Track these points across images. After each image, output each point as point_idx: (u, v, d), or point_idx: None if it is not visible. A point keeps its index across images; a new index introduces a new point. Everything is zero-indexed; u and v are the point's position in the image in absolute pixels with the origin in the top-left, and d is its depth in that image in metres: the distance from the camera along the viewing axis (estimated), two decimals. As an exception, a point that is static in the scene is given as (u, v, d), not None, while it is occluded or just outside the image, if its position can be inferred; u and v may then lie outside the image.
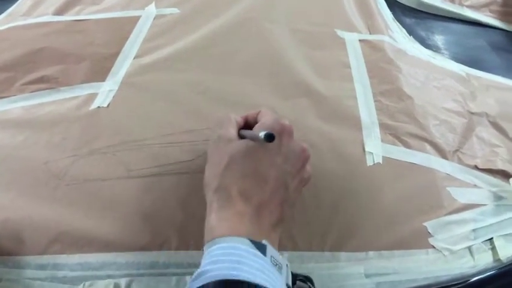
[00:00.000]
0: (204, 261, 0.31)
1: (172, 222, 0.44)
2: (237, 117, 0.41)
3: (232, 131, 0.39)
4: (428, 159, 0.51)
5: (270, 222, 0.35)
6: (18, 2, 0.82)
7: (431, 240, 0.44)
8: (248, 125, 0.41)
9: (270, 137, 0.33)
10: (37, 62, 0.62)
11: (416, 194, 0.48)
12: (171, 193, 0.46)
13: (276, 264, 0.32)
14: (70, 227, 0.44)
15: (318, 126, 0.53)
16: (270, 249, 0.32)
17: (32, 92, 0.58)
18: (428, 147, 0.52)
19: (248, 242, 0.31)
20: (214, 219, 0.34)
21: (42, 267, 0.42)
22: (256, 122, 0.40)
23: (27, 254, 0.42)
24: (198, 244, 0.42)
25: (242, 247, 0.31)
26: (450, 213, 0.46)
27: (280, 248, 0.42)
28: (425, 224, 0.45)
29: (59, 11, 0.76)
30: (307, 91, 0.58)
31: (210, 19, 0.73)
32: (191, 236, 0.43)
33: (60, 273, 0.41)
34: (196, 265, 0.40)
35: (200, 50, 0.66)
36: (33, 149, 0.51)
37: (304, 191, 0.46)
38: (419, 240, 0.44)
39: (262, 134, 0.34)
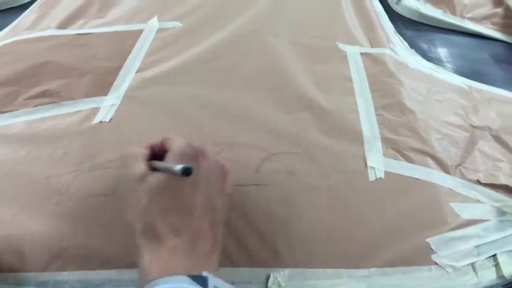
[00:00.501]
0: None
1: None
2: (141, 150, 0.38)
3: (142, 166, 0.36)
4: (431, 174, 0.51)
5: (206, 250, 0.34)
6: (22, 15, 0.82)
7: (434, 257, 0.44)
8: (155, 154, 0.38)
9: (187, 171, 0.32)
10: (40, 76, 0.63)
11: (418, 210, 0.48)
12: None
13: None
14: (71, 243, 0.44)
15: (319, 141, 0.53)
16: (212, 279, 0.31)
17: (34, 106, 0.58)
18: (430, 161, 0.52)
19: (187, 279, 0.30)
20: (147, 261, 0.32)
21: (42, 284, 0.41)
22: (163, 150, 0.38)
23: (28, 270, 0.42)
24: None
25: (181, 285, 0.29)
26: (453, 229, 0.46)
27: (281, 265, 0.43)
28: (428, 240, 0.45)
29: (63, 25, 0.77)
30: (309, 105, 0.58)
31: (212, 32, 0.73)
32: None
33: (61, 291, 0.41)
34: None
35: (202, 64, 0.66)
36: (35, 163, 0.51)
37: (303, 207, 0.46)
38: (422, 256, 0.44)
39: (178, 168, 0.32)
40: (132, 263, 0.42)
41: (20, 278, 0.42)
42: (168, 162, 0.35)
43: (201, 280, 0.30)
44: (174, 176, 0.33)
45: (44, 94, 0.60)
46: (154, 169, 0.35)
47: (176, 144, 0.37)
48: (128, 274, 0.42)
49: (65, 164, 0.51)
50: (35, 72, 0.63)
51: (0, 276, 0.42)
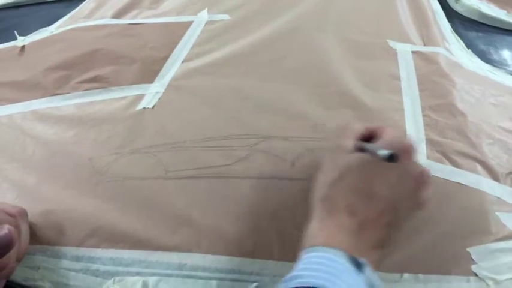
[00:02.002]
0: (298, 266, 0.31)
1: (204, 225, 0.44)
2: (357, 127, 0.40)
3: (350, 143, 0.38)
4: (478, 181, 0.48)
5: (371, 242, 0.33)
6: (81, 4, 0.87)
7: (474, 268, 0.41)
8: (368, 137, 0.40)
9: (391, 157, 0.32)
10: (92, 62, 0.66)
11: (461, 217, 0.45)
12: (205, 196, 0.47)
13: (372, 286, 0.30)
14: (107, 222, 0.45)
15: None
16: (368, 270, 0.31)
17: (84, 90, 0.61)
18: (479, 167, 0.49)
19: (346, 256, 0.31)
20: (315, 227, 0.34)
21: (77, 258, 0.43)
22: (375, 136, 0.39)
23: (65, 245, 0.44)
24: (228, 249, 0.43)
25: (339, 260, 0.30)
26: (498, 240, 0.43)
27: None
28: (469, 249, 0.42)
29: (117, 15, 0.80)
30: (352, 102, 0.56)
31: (259, 26, 0.73)
32: (221, 241, 0.43)
33: (93, 266, 0.43)
34: (223, 270, 0.41)
35: (247, 56, 0.66)
36: (81, 145, 0.53)
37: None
38: (461, 266, 0.41)
39: (384, 153, 0.32)
40: (161, 246, 0.43)
41: (57, 251, 0.44)
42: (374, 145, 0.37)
43: (359, 265, 0.31)
44: (372, 160, 0.35)
45: (94, 79, 0.63)
46: (360, 150, 0.37)
47: (389, 133, 0.38)
48: (156, 256, 0.42)
49: (108, 146, 0.52)
50: (88, 59, 0.66)
51: (39, 248, 0.44)
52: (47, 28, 0.80)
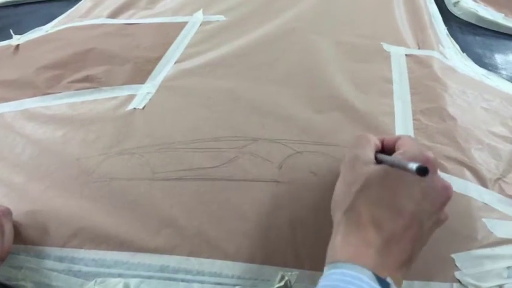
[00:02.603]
0: (321, 282, 0.30)
1: (188, 227, 0.44)
2: (375, 139, 0.40)
3: (371, 154, 0.37)
4: (465, 186, 0.47)
5: (398, 260, 0.32)
6: (79, 3, 0.87)
7: (457, 274, 0.41)
8: (384, 149, 0.40)
9: (424, 171, 0.30)
10: (85, 62, 0.66)
11: (447, 222, 0.44)
12: (191, 198, 0.46)
13: None
14: (91, 223, 0.45)
15: (348, 141, 0.51)
16: None
17: (76, 90, 0.61)
18: (467, 172, 0.48)
19: (371, 275, 0.29)
20: (339, 241, 0.33)
21: (60, 259, 0.43)
22: (392, 147, 0.38)
23: (49, 245, 0.44)
24: (210, 252, 0.42)
25: (364, 279, 0.29)
26: (483, 246, 0.42)
27: (293, 265, 0.41)
28: (453, 255, 0.42)
29: (113, 14, 0.80)
30: (342, 105, 0.56)
31: (254, 28, 0.73)
32: (204, 244, 0.43)
33: (76, 267, 0.43)
34: (205, 273, 0.41)
35: (240, 58, 0.66)
36: (69, 145, 0.53)
37: (321, 208, 0.45)
38: (444, 272, 0.41)
39: (414, 166, 0.30)
40: (143, 248, 0.43)
41: (41, 251, 0.44)
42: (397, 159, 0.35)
43: (385, 284, 0.29)
44: (396, 172, 0.33)
45: (86, 79, 0.63)
46: (379, 162, 0.36)
47: (409, 146, 0.37)
48: (138, 258, 0.42)
49: (96, 146, 0.53)
50: (81, 58, 0.67)
51: (23, 248, 0.44)
52: (42, 27, 0.81)
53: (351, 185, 0.35)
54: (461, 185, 0.47)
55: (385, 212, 0.33)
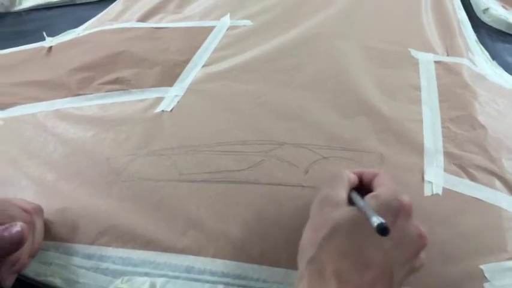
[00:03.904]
0: None
1: (214, 229, 0.45)
2: (350, 175, 0.37)
3: (342, 194, 0.35)
4: (496, 196, 0.46)
5: None
6: (109, 7, 0.89)
7: (486, 286, 0.40)
8: (362, 184, 0.38)
9: (383, 231, 0.28)
10: (115, 64, 0.67)
11: (476, 233, 0.44)
12: (216, 201, 0.47)
13: None
14: (119, 221, 0.46)
15: (375, 148, 0.51)
16: None
17: (106, 91, 0.63)
18: (497, 182, 0.48)
19: None
20: None
21: (89, 256, 0.44)
22: (370, 184, 0.36)
23: (78, 242, 0.45)
24: (235, 254, 0.43)
25: None
26: (513, 258, 0.42)
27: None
28: (482, 266, 0.41)
29: (143, 18, 0.82)
30: (369, 111, 0.56)
31: (280, 33, 0.73)
32: (229, 246, 0.43)
33: (104, 265, 0.43)
34: (230, 275, 0.41)
35: (266, 63, 0.66)
36: (99, 144, 0.54)
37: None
38: (473, 283, 0.40)
39: (376, 222, 0.29)
40: (170, 248, 0.44)
41: (70, 248, 0.45)
42: (368, 202, 0.33)
43: None
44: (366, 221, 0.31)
45: (116, 81, 0.64)
46: (351, 201, 0.35)
47: (385, 188, 0.35)
48: (164, 257, 0.43)
49: (125, 147, 0.54)
50: (111, 61, 0.68)
51: (53, 245, 0.45)
52: (74, 30, 0.83)
53: (318, 230, 0.33)
54: (491, 195, 0.46)
55: (350, 265, 0.30)
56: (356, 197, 0.35)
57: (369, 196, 0.34)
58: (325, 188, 0.36)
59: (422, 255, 0.34)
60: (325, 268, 0.31)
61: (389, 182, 0.36)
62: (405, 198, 0.33)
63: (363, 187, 0.37)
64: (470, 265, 0.41)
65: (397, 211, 0.32)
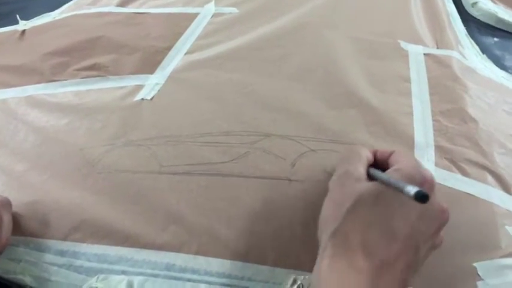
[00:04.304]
0: None
1: (196, 224, 0.42)
2: (367, 153, 0.36)
3: (362, 170, 0.34)
4: (488, 191, 0.45)
5: None
6: (87, -10, 0.85)
7: (480, 284, 0.38)
8: (377, 163, 0.36)
9: (424, 198, 0.27)
10: (92, 50, 0.64)
11: (468, 229, 0.42)
12: (199, 194, 0.44)
13: None
14: (94, 215, 0.43)
15: (364, 141, 0.49)
16: None
17: (82, 78, 0.59)
18: (489, 177, 0.46)
19: None
20: (326, 268, 0.29)
21: (61, 253, 0.41)
22: (386, 162, 0.35)
23: (50, 237, 0.42)
24: (219, 251, 0.40)
25: None
26: (507, 255, 0.40)
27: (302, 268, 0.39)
28: (475, 264, 0.39)
29: (122, 3, 0.78)
30: (358, 103, 0.54)
31: (267, 21, 0.71)
32: (212, 242, 0.41)
33: (77, 262, 0.40)
34: (213, 273, 0.39)
35: (252, 51, 0.64)
36: (73, 134, 0.51)
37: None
38: (465, 281, 0.38)
39: (412, 190, 0.27)
40: (149, 244, 0.41)
41: (41, 244, 0.42)
42: (392, 176, 0.32)
43: None
44: (390, 191, 0.30)
45: (93, 67, 0.61)
46: (372, 179, 0.33)
47: (406, 162, 0.33)
48: (143, 254, 0.40)
49: (101, 137, 0.50)
50: (88, 46, 0.65)
51: (22, 240, 0.42)
52: (50, 13, 0.79)
53: (340, 204, 0.31)
54: (483, 190, 0.45)
55: (377, 236, 0.29)
56: (378, 172, 0.34)
57: (391, 170, 0.33)
58: (344, 164, 0.35)
59: (442, 232, 0.33)
60: (351, 240, 0.29)
61: (408, 157, 0.35)
62: (427, 171, 0.32)
63: (377, 165, 0.36)
64: (463, 263, 0.40)
65: (421, 184, 0.30)
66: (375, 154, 0.38)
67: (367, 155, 0.36)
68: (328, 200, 0.34)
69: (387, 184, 0.31)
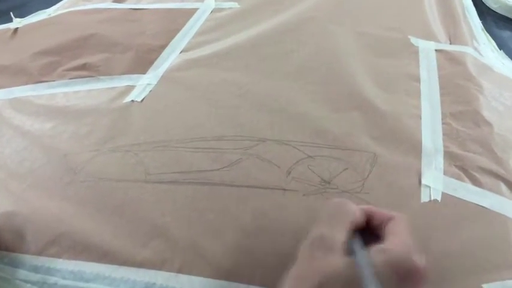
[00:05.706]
0: None
1: (180, 239, 0.39)
2: (357, 211, 0.29)
3: (340, 236, 0.27)
4: (502, 204, 0.41)
5: None
6: (83, -13, 0.82)
7: (489, 309, 0.35)
8: (370, 224, 0.30)
9: None
10: (83, 49, 0.61)
11: (479, 246, 0.38)
12: (186, 205, 0.41)
13: None
14: (72, 228, 0.40)
15: (367, 147, 0.45)
16: None
17: (71, 78, 0.57)
18: (503, 187, 0.42)
19: None
20: None
21: (35, 269, 0.38)
22: (380, 227, 0.29)
23: (24, 252, 0.39)
24: (204, 269, 0.37)
25: None
26: (521, 276, 0.36)
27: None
28: (484, 285, 0.36)
29: (120, -1, 0.75)
30: (362, 104, 0.50)
31: (269, 16, 0.67)
32: (197, 259, 0.38)
33: (51, 279, 0.38)
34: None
35: (252, 49, 0.60)
36: (58, 138, 0.49)
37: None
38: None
39: None
40: (128, 261, 0.38)
41: (15, 258, 0.39)
42: (373, 257, 0.26)
43: None
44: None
45: (83, 67, 0.58)
46: (350, 251, 0.27)
47: (399, 240, 0.27)
48: (121, 272, 0.37)
49: (87, 142, 0.48)
50: (80, 44, 0.62)
51: (-4, 255, 0.40)
52: (45, 10, 0.76)
53: (303, 279, 0.26)
54: (497, 202, 0.41)
55: None
56: (357, 247, 0.27)
57: (376, 248, 0.27)
58: (321, 225, 0.29)
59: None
60: None
61: (406, 233, 0.28)
62: (421, 259, 0.26)
63: (370, 229, 0.30)
64: (471, 283, 0.36)
65: (407, 275, 0.25)
66: (371, 215, 0.31)
67: (354, 216, 0.29)
68: (293, 270, 0.28)
69: (358, 269, 0.25)
